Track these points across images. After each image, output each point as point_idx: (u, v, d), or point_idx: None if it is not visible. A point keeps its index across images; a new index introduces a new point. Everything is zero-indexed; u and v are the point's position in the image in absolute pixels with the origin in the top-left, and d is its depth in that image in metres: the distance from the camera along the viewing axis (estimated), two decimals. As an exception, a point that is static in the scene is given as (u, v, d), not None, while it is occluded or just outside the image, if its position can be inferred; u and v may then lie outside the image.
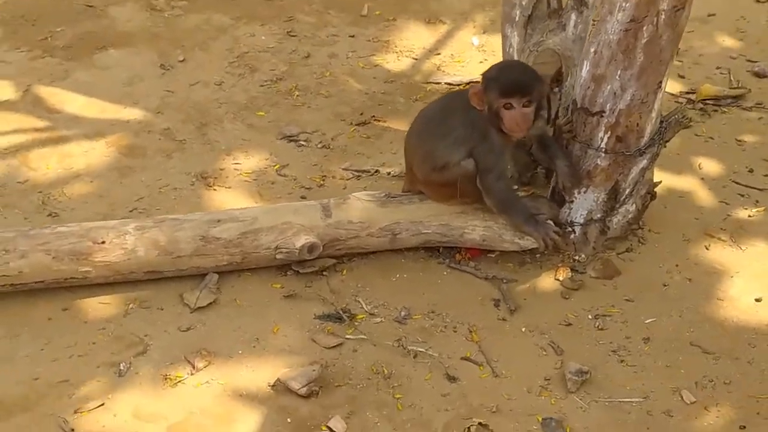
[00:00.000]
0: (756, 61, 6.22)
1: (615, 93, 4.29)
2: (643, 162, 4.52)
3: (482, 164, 4.37)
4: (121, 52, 6.19)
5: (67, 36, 6.34)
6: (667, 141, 4.59)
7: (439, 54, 6.29)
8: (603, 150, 4.44)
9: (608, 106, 4.33)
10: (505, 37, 5.02)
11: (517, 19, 4.91)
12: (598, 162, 4.47)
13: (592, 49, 4.30)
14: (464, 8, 6.77)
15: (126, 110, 5.63)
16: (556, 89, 4.80)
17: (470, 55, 6.25)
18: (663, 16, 4.10)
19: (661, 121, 4.53)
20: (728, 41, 6.47)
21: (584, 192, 4.56)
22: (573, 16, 4.81)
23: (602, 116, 4.37)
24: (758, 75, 6.09)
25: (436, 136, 4.42)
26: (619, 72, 4.24)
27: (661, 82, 4.30)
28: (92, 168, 5.16)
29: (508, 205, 4.47)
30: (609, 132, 4.39)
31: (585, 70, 4.37)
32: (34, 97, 5.73)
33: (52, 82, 5.87)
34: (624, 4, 4.11)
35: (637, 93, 4.28)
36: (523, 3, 4.87)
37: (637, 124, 4.37)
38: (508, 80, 4.20)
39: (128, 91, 5.80)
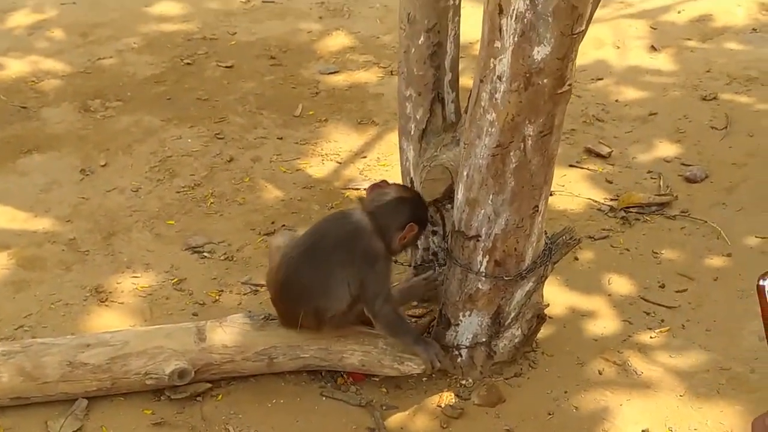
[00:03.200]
0: (690, 165, 6.04)
1: (489, 217, 4.16)
2: (528, 285, 4.37)
3: (370, 292, 4.26)
4: (44, 156, 6.15)
5: (-6, 139, 6.31)
6: (555, 262, 4.43)
7: (364, 157, 6.19)
8: (483, 274, 4.29)
9: (483, 230, 4.20)
10: (401, 150, 4.91)
11: (412, 132, 4.79)
12: (479, 286, 4.33)
13: (465, 173, 4.17)
14: (400, 108, 6.64)
15: (36, 219, 5.57)
16: (449, 206, 4.65)
17: (396, 158, 6.03)
18: (530, 142, 3.97)
19: (547, 242, 4.37)
20: (665, 143, 6.31)
21: (469, 315, 4.41)
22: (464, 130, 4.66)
23: (479, 240, 4.23)
24: (689, 180, 5.91)
25: (320, 284, 4.29)
26: (491, 197, 4.11)
27: (537, 206, 4.16)
28: (-13, 282, 5.07)
29: (397, 329, 4.36)
30: (487, 256, 4.25)
31: (460, 193, 4.24)
32: (-53, 206, 5.68)
33: (-31, 189, 5.83)
34: (490, 129, 3.98)
35: (511, 218, 4.14)
36: (418, 116, 4.76)
37: (515, 249, 4.22)
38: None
39: (42, 198, 5.75)
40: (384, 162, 6.15)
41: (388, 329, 4.33)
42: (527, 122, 3.91)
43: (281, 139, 6.38)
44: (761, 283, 1.50)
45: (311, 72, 7.21)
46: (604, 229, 5.50)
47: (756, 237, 5.43)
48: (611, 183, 5.92)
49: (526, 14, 3.67)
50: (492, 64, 3.86)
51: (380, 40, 7.67)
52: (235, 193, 5.83)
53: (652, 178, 5.98)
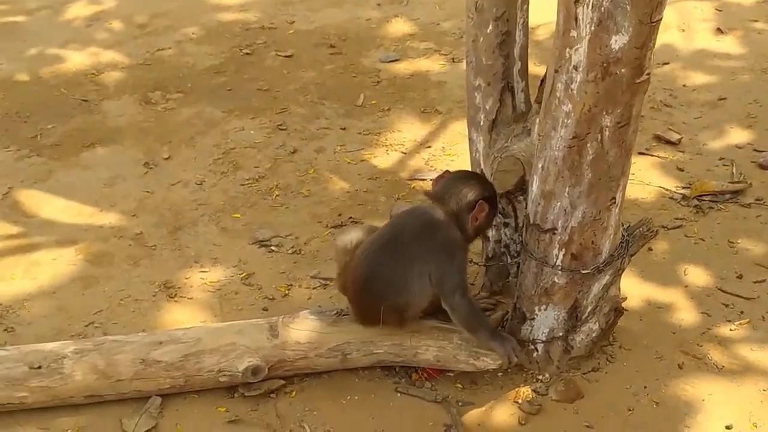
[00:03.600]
0: (762, 151, 5.90)
1: (565, 210, 4.06)
2: (605, 279, 4.27)
3: (448, 284, 4.17)
4: (107, 149, 6.13)
5: (56, 133, 6.31)
6: (632, 255, 4.33)
7: (429, 147, 6.10)
8: (559, 268, 4.20)
9: (560, 223, 4.10)
10: (471, 141, 4.82)
11: (481, 123, 4.69)
12: (555, 280, 4.24)
13: (540, 165, 4.08)
14: (463, 96, 6.48)
15: (101, 213, 5.54)
16: (521, 197, 4.57)
17: (462, 148, 6.00)
18: (607, 133, 3.86)
19: (624, 234, 4.27)
20: (736, 128, 6.17)
21: (545, 309, 4.32)
22: (538, 121, 4.56)
23: (555, 233, 4.14)
24: (763, 167, 5.78)
25: (401, 279, 4.22)
26: (567, 189, 4.02)
27: (614, 198, 4.06)
28: (57, 278, 5.07)
29: (475, 323, 4.27)
30: (563, 249, 4.16)
31: (535, 185, 4.15)
32: (13, 200, 5.69)
33: (34, 184, 5.83)
34: (566, 120, 3.89)
35: (588, 210, 4.04)
36: (487, 107, 4.66)
37: (592, 242, 4.13)
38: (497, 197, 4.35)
39: (107, 193, 5.72)
40: (450, 152, 6.06)
41: (466, 323, 4.24)
42: (604, 113, 3.81)
43: (344, 129, 6.32)
44: None
45: (372, 60, 7.14)
46: (677, 218, 5.39)
47: (834, 226, 5.29)
48: (682, 171, 5.80)
49: (604, 3, 3.57)
50: (567, 54, 3.76)
51: (440, 27, 7.58)
52: (300, 185, 5.77)
53: (724, 165, 5.85)
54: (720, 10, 7.68)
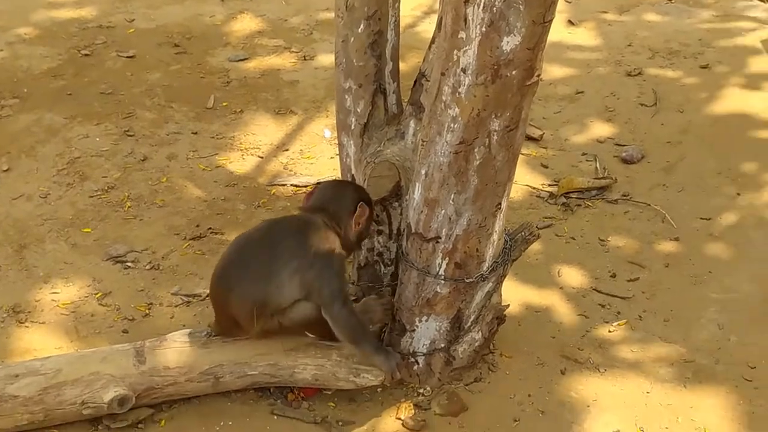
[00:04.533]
0: (624, 145, 5.88)
1: (450, 218, 3.90)
2: (488, 286, 4.14)
3: (327, 292, 3.95)
4: (-60, 163, 5.67)
5: None
6: (514, 260, 4.21)
7: (287, 150, 5.87)
8: (442, 277, 4.03)
9: (444, 231, 3.94)
10: (341, 146, 4.62)
11: (352, 127, 4.50)
12: (438, 290, 4.07)
13: (423, 171, 3.90)
14: (318, 95, 6.36)
15: (-63, 233, 5.10)
16: (396, 204, 4.38)
17: (321, 150, 5.84)
18: (495, 137, 3.72)
19: (507, 240, 4.14)
20: (596, 123, 6.14)
21: (426, 320, 4.15)
22: (412, 124, 4.41)
23: (438, 242, 3.97)
24: (626, 161, 5.75)
25: (262, 275, 3.95)
26: (452, 196, 3.85)
27: (500, 203, 3.92)
28: None
29: (358, 335, 4.05)
30: (447, 258, 3.99)
31: (417, 192, 3.97)
32: None
33: None
34: (453, 125, 3.72)
35: (474, 217, 3.89)
36: (359, 110, 4.46)
37: (477, 249, 3.98)
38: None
39: (-58, 210, 5.28)
40: (308, 155, 5.84)
41: (348, 334, 4.02)
42: (493, 117, 3.67)
43: (196, 133, 6.02)
44: None
45: (220, 60, 6.85)
46: (546, 217, 5.31)
47: (700, 219, 5.31)
48: (547, 167, 5.74)
49: (496, 3, 3.42)
50: (455, 56, 3.60)
51: (289, 23, 7.34)
52: (154, 195, 5.46)
53: (587, 160, 5.81)
54: (569, 2, 7.68)
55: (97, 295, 4.74)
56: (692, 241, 5.14)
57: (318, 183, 4.29)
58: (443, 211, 3.90)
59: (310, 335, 4.16)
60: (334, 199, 4.11)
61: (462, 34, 3.52)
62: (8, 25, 7.17)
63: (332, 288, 3.95)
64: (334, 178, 4.32)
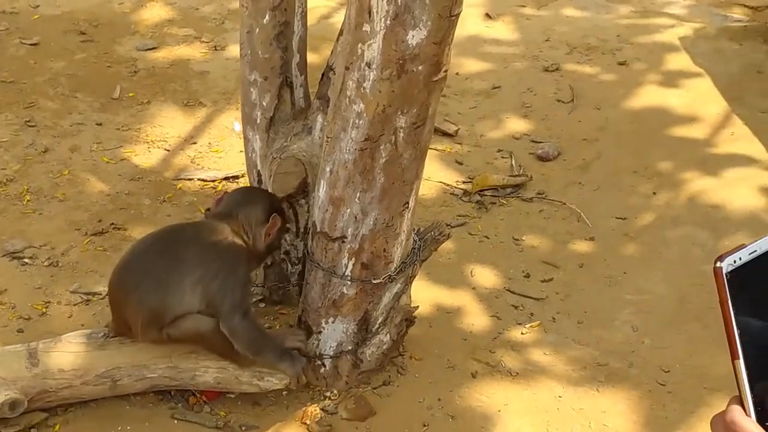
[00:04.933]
0: (540, 142, 5.80)
1: (356, 217, 3.77)
2: (396, 287, 4.02)
3: (228, 302, 3.80)
4: None
5: None
6: (424, 260, 4.09)
7: (195, 143, 5.69)
8: (348, 278, 3.90)
9: (350, 230, 3.81)
10: (246, 140, 4.47)
11: (258, 121, 4.35)
12: (344, 291, 3.95)
13: (328, 169, 3.77)
14: (228, 87, 6.18)
15: None
16: (302, 201, 4.25)
17: (230, 143, 5.67)
18: (402, 134, 3.59)
19: (416, 240, 4.02)
20: (512, 119, 6.04)
21: (332, 322, 4.02)
22: (319, 118, 4.28)
23: (344, 242, 3.84)
24: (542, 158, 5.67)
25: (163, 282, 3.79)
26: (358, 195, 3.72)
27: (407, 202, 3.80)
28: None
29: (260, 345, 3.92)
30: (353, 258, 3.87)
31: (322, 190, 3.83)
32: None
33: None
34: (358, 121, 3.58)
35: (381, 216, 3.76)
36: (264, 103, 4.31)
37: (384, 249, 3.85)
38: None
39: None
40: (216, 148, 5.67)
41: (249, 347, 3.88)
42: (399, 113, 3.54)
43: (100, 125, 5.81)
44: (719, 264, 1.23)
45: (127, 49, 6.63)
46: (460, 215, 5.21)
47: (616, 218, 5.23)
48: (461, 164, 5.63)
49: (401, -6, 3.28)
50: (360, 50, 3.47)
51: (200, 12, 7.14)
52: (55, 189, 5.25)
53: (503, 157, 5.71)
54: (487, -6, 7.58)
55: (-8, 294, 4.54)
56: (607, 241, 5.07)
57: (226, 192, 4.09)
58: (349, 209, 3.77)
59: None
60: (245, 208, 3.96)
61: (366, 27, 3.39)
62: None
63: (233, 300, 3.80)
64: (243, 185, 4.15)
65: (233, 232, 3.88)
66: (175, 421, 4.00)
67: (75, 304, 4.52)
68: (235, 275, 3.83)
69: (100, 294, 4.52)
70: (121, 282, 3.88)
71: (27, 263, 4.75)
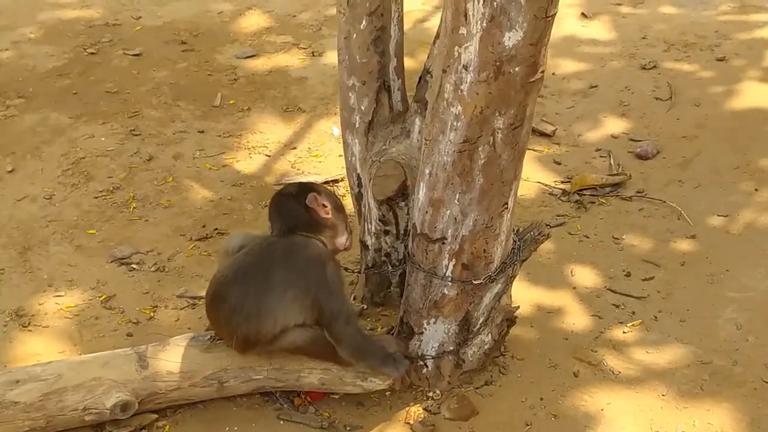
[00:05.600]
0: (639, 140, 5.76)
1: (455, 218, 3.79)
2: (497, 288, 4.03)
3: (328, 310, 3.84)
4: (-57, 165, 5.59)
5: None
6: (524, 260, 4.10)
7: (294, 148, 5.77)
8: (449, 279, 3.93)
9: (449, 232, 3.83)
10: (346, 145, 4.52)
11: (357, 125, 4.40)
12: (445, 291, 3.97)
13: (427, 171, 3.80)
14: (327, 92, 6.26)
15: (-60, 236, 5.03)
16: (402, 203, 4.28)
17: (329, 148, 5.74)
18: (500, 135, 3.60)
19: (515, 240, 4.03)
20: (610, 118, 6.02)
21: (434, 323, 4.05)
22: (417, 121, 4.31)
23: (444, 243, 3.87)
24: (641, 157, 5.63)
25: (254, 312, 3.84)
26: (457, 196, 3.75)
27: (507, 203, 3.82)
28: None
29: (364, 351, 3.96)
30: (453, 259, 3.89)
31: (421, 192, 3.86)
32: None
33: None
34: (456, 123, 3.61)
35: (480, 217, 3.78)
36: (363, 108, 4.36)
37: (484, 250, 3.87)
38: None
39: (-54, 212, 5.21)
40: (316, 153, 5.75)
41: (353, 353, 3.92)
42: (497, 114, 3.56)
43: (202, 132, 5.93)
44: None
45: (227, 57, 6.76)
46: (559, 215, 5.20)
47: (718, 216, 5.18)
48: (560, 164, 5.62)
49: (496, -3, 3.30)
50: (456, 53, 3.49)
51: (297, 19, 7.24)
52: (159, 196, 5.37)
53: (601, 156, 5.69)
54: (583, -6, 7.55)
55: (102, 298, 4.67)
56: (709, 239, 5.02)
57: (327, 183, 4.14)
58: (448, 211, 3.80)
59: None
60: (285, 209, 3.95)
61: (463, 30, 3.42)
62: (14, 24, 7.10)
63: (332, 309, 3.84)
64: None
65: (304, 238, 3.89)
66: (281, 422, 4.06)
67: (181, 308, 4.61)
68: (327, 284, 3.83)
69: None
70: (215, 307, 3.94)
71: (134, 269, 4.86)
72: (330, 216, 3.95)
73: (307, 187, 3.97)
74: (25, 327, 4.49)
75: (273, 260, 3.83)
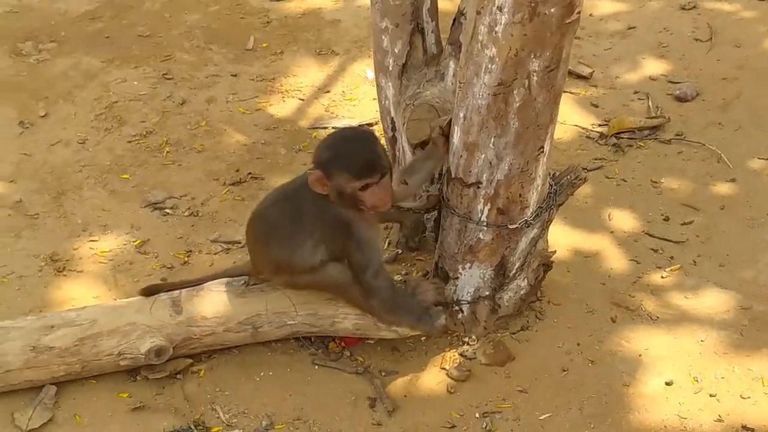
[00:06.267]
0: (678, 82, 5.67)
1: (491, 162, 3.74)
2: (533, 232, 3.99)
3: (354, 264, 3.79)
4: (-24, 109, 5.57)
5: None
6: (560, 205, 4.04)
7: (328, 92, 5.72)
8: (484, 223, 3.88)
9: (484, 176, 3.79)
10: (379, 88, 4.47)
11: (390, 68, 4.35)
12: (480, 236, 3.93)
13: (461, 114, 3.74)
14: (360, 35, 6.19)
15: (-26, 181, 5.03)
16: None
17: (363, 91, 5.68)
18: (535, 78, 3.54)
19: (552, 184, 3.98)
20: (648, 59, 5.92)
21: (469, 268, 4.01)
22: (452, 64, 4.25)
23: (479, 187, 3.82)
24: (680, 99, 5.54)
25: (287, 242, 3.80)
26: (492, 140, 3.69)
27: (542, 147, 3.76)
28: (-72, 257, 4.56)
29: (396, 306, 3.90)
30: (489, 204, 3.85)
31: (456, 136, 3.82)
32: None
33: None
34: (490, 66, 3.55)
35: (515, 161, 3.73)
36: (396, 50, 4.30)
37: (520, 194, 3.83)
38: (357, 160, 3.58)
39: (-21, 157, 5.20)
40: (350, 96, 5.70)
41: (386, 309, 3.87)
42: (532, 57, 3.50)
43: (235, 76, 5.89)
44: None
45: (259, -1, 6.68)
46: (596, 159, 5.13)
47: (759, 159, 5.11)
48: (597, 107, 5.54)
49: (530, -65, 3.23)
50: (491, -7, 3.42)
51: (330, -40, 7.13)
52: (192, 140, 5.34)
53: (639, 98, 5.61)
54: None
55: (136, 243, 4.65)
56: (749, 182, 4.95)
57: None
58: (483, 155, 3.75)
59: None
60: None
61: (498, -31, 3.35)
62: (45, -32, 7.04)
63: (359, 260, 3.78)
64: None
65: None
66: (316, 367, 4.05)
67: (215, 253, 4.60)
68: (352, 237, 3.74)
69: (239, 243, 4.59)
70: (252, 233, 3.93)
71: (168, 213, 4.84)
72: (335, 198, 3.69)
73: (320, 162, 3.64)
74: (60, 272, 4.49)
75: (306, 198, 3.72)
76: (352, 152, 3.60)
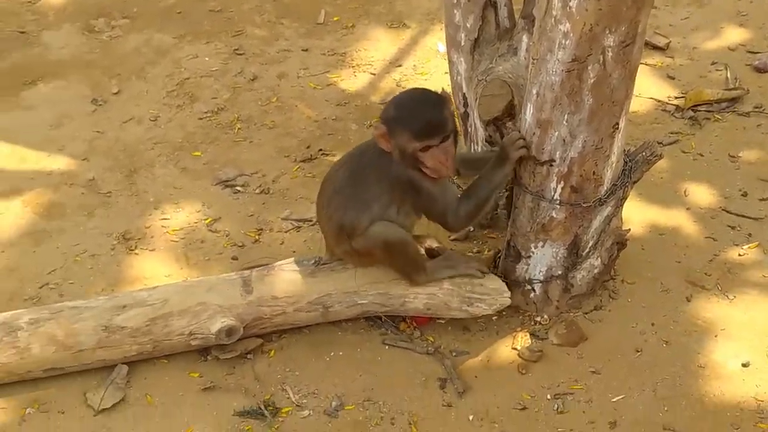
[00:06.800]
0: (757, 53, 5.53)
1: (564, 140, 3.67)
2: (607, 210, 3.92)
3: (434, 216, 3.85)
4: (50, 86, 5.63)
5: (-8, 71, 5.79)
6: (635, 182, 3.96)
7: (400, 66, 5.67)
8: (557, 202, 3.82)
9: (558, 154, 3.72)
10: (451, 63, 4.42)
11: (462, 43, 4.29)
12: (553, 215, 3.87)
13: (534, 91, 3.68)
14: (432, 7, 6.12)
15: (49, 158, 5.08)
16: (509, 124, 4.16)
17: (435, 65, 5.62)
18: (610, 54, 3.46)
19: (626, 161, 3.90)
20: (727, 29, 5.78)
21: (542, 246, 3.96)
22: (525, 39, 4.19)
23: (552, 165, 3.76)
24: (759, 70, 5.41)
25: (352, 204, 3.82)
26: (566, 117, 3.62)
27: (617, 123, 3.68)
28: (4, 235, 4.62)
29: (482, 204, 3.86)
30: (562, 182, 3.78)
31: (529, 113, 3.75)
32: (-51, 148, 5.18)
33: (-29, 129, 5.33)
34: (564, 42, 3.47)
35: (590, 139, 3.66)
36: (468, 25, 4.24)
37: (594, 172, 3.75)
38: (419, 121, 3.59)
39: (53, 135, 5.24)
40: (422, 70, 5.64)
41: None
42: (607, 32, 3.42)
43: (306, 50, 5.86)
44: None
45: (331, -28, 6.62)
46: (672, 132, 5.02)
47: (841, 131, 4.94)
48: (673, 78, 5.42)
49: None
50: (565, -33, 3.34)
51: (403, -68, 7.05)
52: (264, 116, 5.33)
53: (717, 70, 5.47)
54: None
55: (207, 221, 4.66)
56: (832, 156, 4.80)
57: None
58: (557, 132, 3.68)
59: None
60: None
61: (572, -56, 3.27)
62: (118, -56, 7.05)
63: (438, 210, 3.81)
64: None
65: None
66: (386, 347, 4.04)
67: (286, 231, 4.59)
68: (421, 191, 3.75)
69: (311, 220, 4.57)
70: (319, 200, 3.94)
71: (239, 191, 4.84)
72: (399, 160, 3.73)
73: (384, 116, 3.72)
74: (132, 250, 4.51)
75: (371, 161, 3.77)
76: (416, 112, 3.61)
